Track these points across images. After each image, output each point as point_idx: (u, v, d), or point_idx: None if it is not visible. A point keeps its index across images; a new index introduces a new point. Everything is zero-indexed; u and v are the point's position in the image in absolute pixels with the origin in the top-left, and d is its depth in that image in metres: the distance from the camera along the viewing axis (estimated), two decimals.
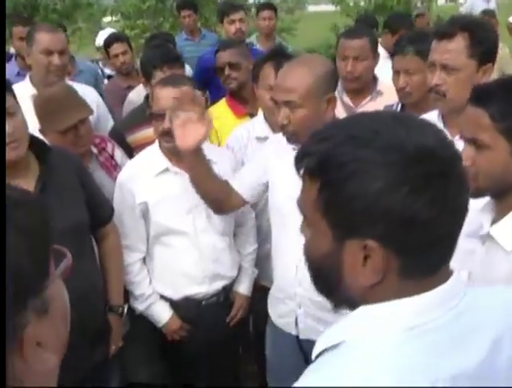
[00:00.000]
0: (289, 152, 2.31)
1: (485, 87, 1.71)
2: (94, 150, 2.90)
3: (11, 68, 4.37)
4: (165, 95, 2.50)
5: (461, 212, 0.93)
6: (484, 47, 2.20)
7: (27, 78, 3.36)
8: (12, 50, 5.08)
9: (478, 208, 1.71)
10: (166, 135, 2.49)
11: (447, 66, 2.19)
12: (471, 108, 1.66)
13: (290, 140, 2.25)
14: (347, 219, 0.92)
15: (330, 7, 12.58)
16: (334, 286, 0.99)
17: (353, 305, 0.99)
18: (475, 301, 0.99)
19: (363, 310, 0.96)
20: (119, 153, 3.02)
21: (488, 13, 6.84)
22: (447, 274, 0.97)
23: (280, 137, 2.35)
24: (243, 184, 2.45)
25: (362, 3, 10.85)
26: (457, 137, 1.90)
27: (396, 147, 0.88)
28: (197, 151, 2.24)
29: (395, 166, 0.87)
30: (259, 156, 2.52)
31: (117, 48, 4.78)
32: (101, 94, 4.57)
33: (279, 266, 2.44)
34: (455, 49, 2.19)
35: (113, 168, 2.93)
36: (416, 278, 0.93)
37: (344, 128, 0.97)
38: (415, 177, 0.87)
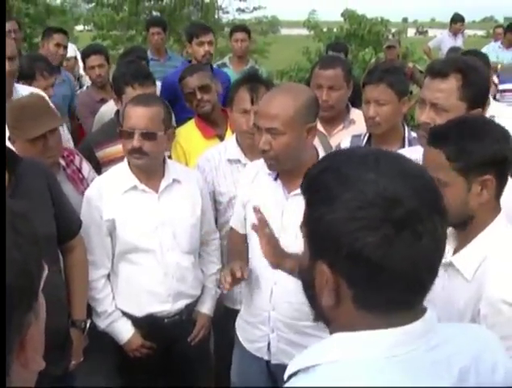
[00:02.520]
0: (266, 179, 2.35)
1: (441, 128, 1.81)
2: (62, 162, 2.89)
3: None
4: (136, 114, 2.52)
5: (419, 260, 0.96)
6: (475, 91, 2.20)
7: None
8: None
9: None
10: (136, 152, 2.51)
11: (437, 105, 2.19)
12: (429, 149, 1.77)
13: (270, 166, 2.29)
14: (314, 240, 1.03)
15: (303, 31, 12.74)
16: (312, 300, 1.08)
17: (326, 322, 1.08)
18: (447, 336, 1.05)
19: (340, 337, 1.01)
20: (86, 167, 3.02)
21: (455, 50, 7.01)
22: (418, 312, 1.02)
23: (258, 164, 2.39)
24: (239, 223, 2.52)
25: (334, 30, 11.01)
26: None
27: (357, 187, 0.95)
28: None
29: (350, 204, 0.95)
30: (239, 195, 2.55)
31: (94, 60, 4.77)
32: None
33: (252, 290, 2.43)
34: (446, 89, 2.18)
35: (80, 181, 2.94)
36: (374, 312, 0.99)
37: (337, 158, 1.06)
38: (366, 217, 0.93)
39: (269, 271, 2.30)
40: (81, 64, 5.50)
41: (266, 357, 2.42)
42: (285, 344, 2.35)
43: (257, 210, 2.10)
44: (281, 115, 2.16)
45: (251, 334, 2.46)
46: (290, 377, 1.03)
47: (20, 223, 0.82)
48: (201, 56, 4.83)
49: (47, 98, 3.46)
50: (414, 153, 2.29)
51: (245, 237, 2.48)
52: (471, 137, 1.70)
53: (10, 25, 5.31)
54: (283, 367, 2.34)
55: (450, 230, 1.83)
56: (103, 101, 4.35)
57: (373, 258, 0.93)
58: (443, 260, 1.73)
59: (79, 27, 16.87)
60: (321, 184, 1.01)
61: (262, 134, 2.20)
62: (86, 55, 4.90)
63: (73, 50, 5.83)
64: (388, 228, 0.93)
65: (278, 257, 2.11)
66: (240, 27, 6.25)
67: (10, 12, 11.52)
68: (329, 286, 0.99)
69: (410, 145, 2.85)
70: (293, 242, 2.24)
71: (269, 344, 2.39)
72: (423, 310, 1.04)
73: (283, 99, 2.20)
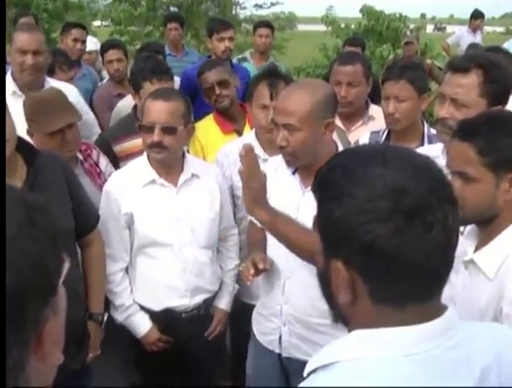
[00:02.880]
0: (285, 173, 2.34)
1: (471, 122, 1.76)
2: (80, 156, 2.90)
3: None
4: (156, 108, 2.52)
5: (432, 250, 0.95)
6: (497, 87, 2.15)
7: (9, 74, 3.42)
8: None
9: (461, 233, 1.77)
10: (156, 147, 2.51)
11: (457, 101, 2.16)
12: (457, 143, 1.72)
13: (288, 162, 2.29)
14: (327, 238, 1.03)
15: (320, 27, 12.71)
16: (329, 299, 1.07)
17: (346, 322, 1.06)
18: (468, 335, 1.03)
19: (359, 334, 1.00)
20: (103, 161, 3.03)
21: (474, 46, 6.93)
22: (436, 307, 1.01)
23: (278, 159, 2.38)
24: None
25: (352, 26, 10.97)
26: None
27: (366, 182, 0.96)
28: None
29: (359, 198, 0.95)
30: None
31: (112, 54, 4.79)
32: None
33: (266, 283, 2.44)
34: (467, 85, 2.15)
35: (97, 175, 2.94)
36: (391, 307, 0.98)
37: (346, 156, 1.07)
38: (376, 209, 0.94)
39: (283, 264, 2.31)
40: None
41: (277, 350, 2.43)
42: (296, 339, 2.36)
43: (246, 147, 2.09)
44: (298, 111, 2.15)
45: (264, 326, 2.47)
46: (309, 374, 1.02)
47: (38, 216, 0.81)
48: (221, 52, 4.84)
49: (75, 89, 3.55)
50: (433, 150, 2.28)
51: (263, 230, 2.48)
52: (502, 132, 1.67)
53: (26, 20, 5.38)
54: (294, 361, 2.40)
55: (471, 227, 1.81)
56: (121, 96, 4.36)
57: (385, 249, 0.93)
58: (464, 258, 1.73)
59: (97, 23, 16.94)
60: (330, 182, 1.02)
61: (280, 130, 2.20)
62: (104, 49, 4.92)
63: (94, 43, 5.88)
64: (398, 218, 0.93)
65: (254, 202, 2.11)
66: (264, 23, 6.24)
67: (29, 7, 11.63)
68: (345, 283, 0.99)
69: (430, 141, 2.83)
70: None
71: (280, 337, 2.40)
72: (444, 308, 1.02)
73: (300, 95, 2.19)
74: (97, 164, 2.97)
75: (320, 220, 1.04)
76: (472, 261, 1.72)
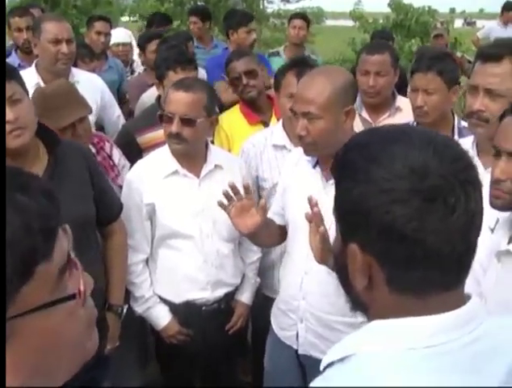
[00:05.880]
0: (306, 165, 2.29)
1: None
2: (92, 149, 2.85)
3: (12, 60, 4.47)
4: (177, 99, 2.49)
5: (453, 233, 0.89)
6: None
7: (33, 67, 3.41)
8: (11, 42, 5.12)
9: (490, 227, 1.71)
10: (174, 137, 2.48)
11: (492, 91, 2.08)
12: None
13: (307, 151, 2.22)
14: (344, 219, 0.99)
15: (348, 22, 12.65)
16: (346, 286, 1.02)
17: (364, 310, 1.02)
18: (493, 329, 0.96)
19: (375, 325, 0.95)
20: (116, 154, 2.99)
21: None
22: (459, 297, 0.95)
23: (299, 151, 2.32)
24: (275, 214, 2.46)
25: (380, 21, 10.88)
26: (489, 170, 1.83)
27: (385, 161, 0.91)
28: (255, 232, 2.18)
29: (377, 177, 0.90)
30: (280, 182, 2.53)
31: (155, 44, 4.76)
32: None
33: (285, 278, 2.41)
34: (501, 74, 2.07)
35: (110, 168, 2.90)
36: (409, 295, 0.92)
37: (364, 136, 1.03)
38: (395, 190, 0.89)
39: (301, 260, 2.26)
40: (136, 50, 5.58)
41: (294, 346, 2.39)
42: (313, 337, 2.31)
43: (314, 203, 1.97)
44: (316, 99, 2.09)
45: (282, 321, 2.44)
46: (326, 368, 0.97)
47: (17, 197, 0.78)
48: (250, 44, 4.90)
49: (100, 79, 3.59)
50: (464, 144, 2.20)
51: (278, 227, 2.44)
52: None
53: (34, 11, 5.35)
54: (311, 358, 2.33)
55: (503, 220, 1.74)
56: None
57: (404, 232, 0.88)
58: (498, 249, 1.65)
59: (125, 18, 17.06)
60: (347, 162, 0.98)
61: (299, 119, 2.15)
62: (147, 41, 4.84)
63: (128, 36, 5.93)
64: (419, 200, 0.87)
65: (325, 254, 2.02)
66: (299, 15, 6.21)
67: (59, 4, 11.78)
68: (361, 268, 0.94)
69: (460, 134, 2.75)
70: (328, 231, 2.19)
71: (297, 334, 2.36)
72: (468, 297, 0.96)
73: (319, 82, 2.13)
74: (110, 157, 2.92)
75: (337, 200, 1.00)
76: (508, 252, 1.65)
